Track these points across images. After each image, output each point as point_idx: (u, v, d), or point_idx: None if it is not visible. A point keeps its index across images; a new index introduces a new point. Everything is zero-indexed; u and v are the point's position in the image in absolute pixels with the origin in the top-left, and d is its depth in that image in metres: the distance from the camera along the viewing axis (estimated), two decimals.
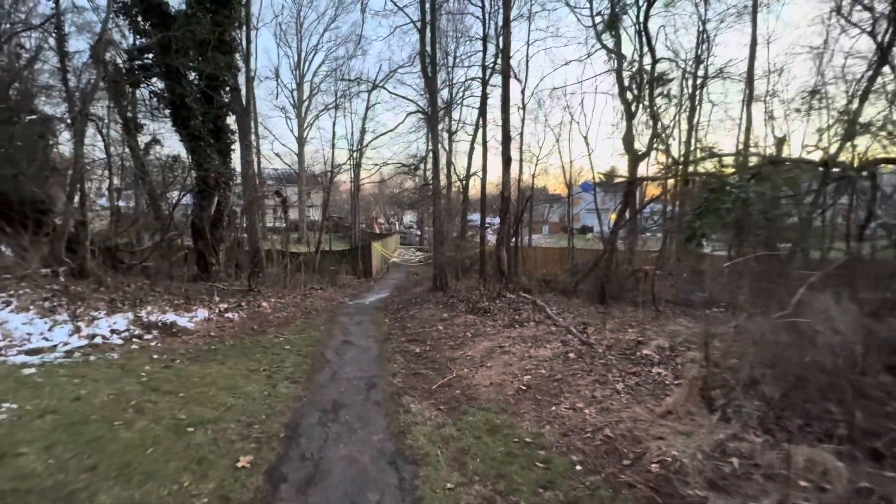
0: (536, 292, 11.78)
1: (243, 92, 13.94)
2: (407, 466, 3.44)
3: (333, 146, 26.49)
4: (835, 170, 4.32)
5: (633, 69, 12.86)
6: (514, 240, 15.09)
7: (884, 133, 4.84)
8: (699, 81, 14.40)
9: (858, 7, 8.07)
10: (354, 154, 24.03)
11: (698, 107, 15.43)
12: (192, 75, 12.26)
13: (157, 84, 12.43)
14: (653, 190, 16.54)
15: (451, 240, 20.19)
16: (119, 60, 12.03)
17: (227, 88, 13.34)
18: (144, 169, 13.05)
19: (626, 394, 4.44)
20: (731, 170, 4.79)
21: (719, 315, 5.95)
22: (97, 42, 9.77)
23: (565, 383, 4.87)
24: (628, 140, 11.42)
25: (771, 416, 3.43)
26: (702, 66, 14.50)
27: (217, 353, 6.59)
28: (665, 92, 11.27)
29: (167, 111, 12.41)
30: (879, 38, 7.10)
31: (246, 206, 14.79)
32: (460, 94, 21.76)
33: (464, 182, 21.13)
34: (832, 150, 5.72)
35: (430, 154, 15.89)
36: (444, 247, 15.73)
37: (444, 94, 20.89)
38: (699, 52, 14.51)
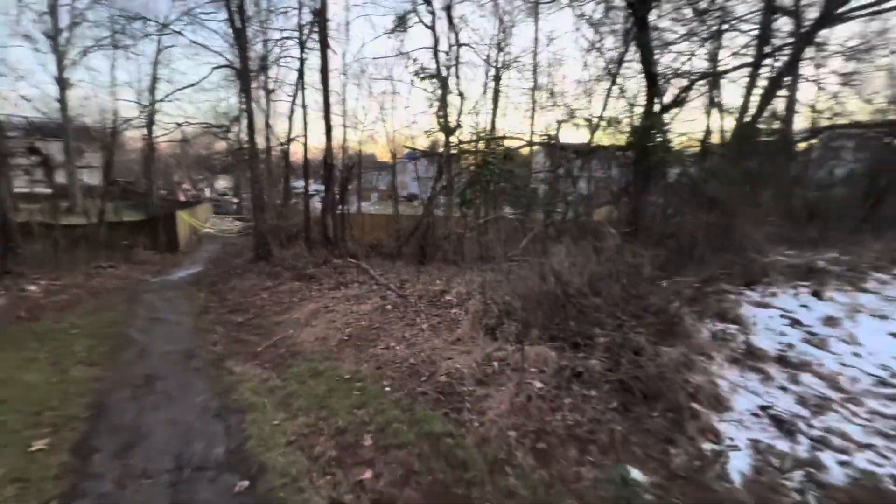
0: (363, 257, 12.42)
1: None
2: (233, 416, 3.73)
3: (115, 95, 21.68)
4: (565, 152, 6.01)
5: (446, 49, 14.11)
6: (340, 207, 15.30)
7: (601, 126, 6.81)
8: (499, 67, 16.54)
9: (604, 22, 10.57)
10: (146, 107, 20.24)
11: (501, 90, 17.80)
12: None
13: None
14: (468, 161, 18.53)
15: (273, 207, 19.16)
16: None
17: None
18: None
19: (430, 331, 5.46)
20: (501, 149, 6.20)
21: (506, 264, 7.54)
22: None
23: (382, 330, 5.66)
24: (441, 115, 12.64)
25: (522, 332, 4.79)
26: (501, 54, 16.65)
27: None
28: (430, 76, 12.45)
29: None
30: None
31: None
32: (278, 52, 20.18)
33: (285, 146, 20.02)
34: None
35: (245, 114, 14.63)
36: (266, 214, 15.02)
37: (260, 48, 19.10)
38: (500, 40, 16.62)
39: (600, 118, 8.55)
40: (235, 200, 37.27)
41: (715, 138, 10.45)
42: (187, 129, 21.29)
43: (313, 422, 3.56)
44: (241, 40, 12.79)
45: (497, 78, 17.26)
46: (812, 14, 9.10)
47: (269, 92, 20.41)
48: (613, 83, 9.91)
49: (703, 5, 7.43)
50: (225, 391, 4.26)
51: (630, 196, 7.95)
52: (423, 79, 11.88)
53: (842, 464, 2.75)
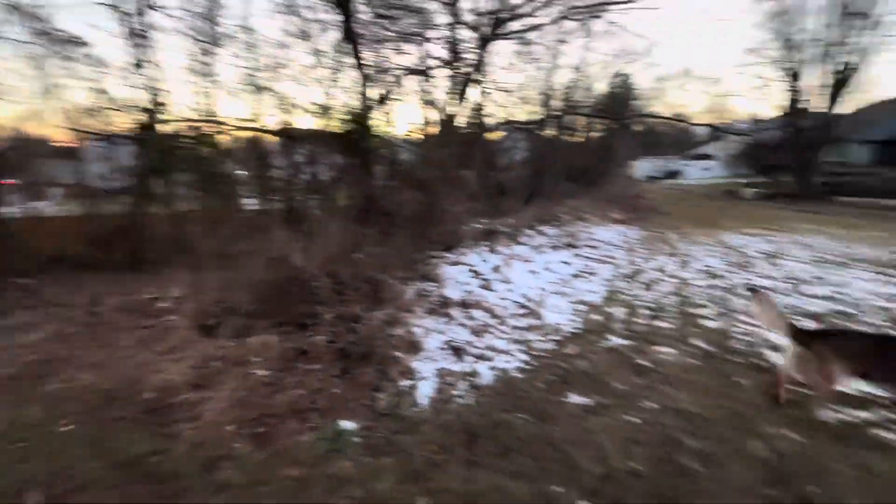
0: (40, 273, 9.39)
1: None
2: None
3: None
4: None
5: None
6: None
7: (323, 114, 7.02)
8: (210, 42, 14.76)
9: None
10: None
11: (214, 68, 15.89)
12: None
13: None
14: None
15: None
16: None
17: None
18: None
19: (136, 346, 4.66)
20: (202, 134, 5.69)
21: (229, 258, 7.01)
22: None
23: (62, 361, 4.49)
24: (138, 90, 10.41)
25: (247, 325, 4.62)
26: (212, 28, 14.87)
27: None
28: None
29: None
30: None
31: None
32: None
33: None
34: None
35: None
36: None
37: None
38: (208, 11, 14.73)
39: (322, 106, 8.79)
40: None
41: (431, 129, 12.25)
42: None
43: None
44: None
45: (209, 54, 15.37)
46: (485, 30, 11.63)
47: None
48: (333, 72, 10.29)
49: (385, 12, 8.43)
50: None
51: (357, 179, 8.54)
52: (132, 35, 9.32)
53: (490, 368, 3.80)
